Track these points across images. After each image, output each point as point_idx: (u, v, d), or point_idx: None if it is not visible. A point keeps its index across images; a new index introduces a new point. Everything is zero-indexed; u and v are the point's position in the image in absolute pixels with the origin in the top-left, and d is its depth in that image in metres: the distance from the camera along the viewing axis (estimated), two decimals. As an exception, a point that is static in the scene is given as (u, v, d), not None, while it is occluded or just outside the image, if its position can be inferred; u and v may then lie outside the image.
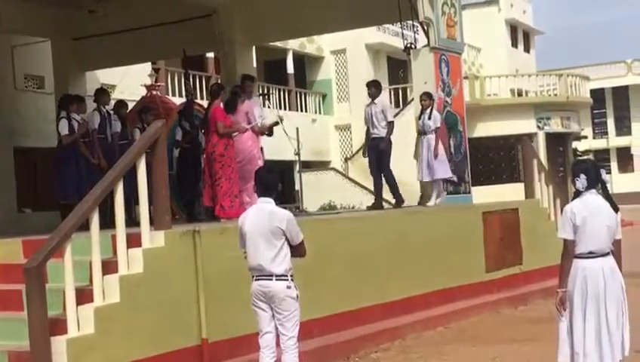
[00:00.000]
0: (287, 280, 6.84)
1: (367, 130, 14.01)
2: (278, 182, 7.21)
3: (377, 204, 13.98)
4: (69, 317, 7.59)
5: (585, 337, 6.65)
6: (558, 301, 6.77)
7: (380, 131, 13.72)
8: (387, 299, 11.27)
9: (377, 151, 13.78)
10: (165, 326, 8.32)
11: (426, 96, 13.95)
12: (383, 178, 13.90)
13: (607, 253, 6.75)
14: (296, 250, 6.95)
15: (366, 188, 22.81)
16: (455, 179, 14.23)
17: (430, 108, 13.83)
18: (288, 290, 6.84)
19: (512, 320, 12.16)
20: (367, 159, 14.14)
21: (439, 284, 12.31)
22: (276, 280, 6.81)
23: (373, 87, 14.09)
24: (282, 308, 6.85)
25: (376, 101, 13.88)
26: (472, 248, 13.35)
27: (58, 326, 7.56)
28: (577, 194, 6.82)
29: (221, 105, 12.03)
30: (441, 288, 12.34)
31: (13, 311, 8.17)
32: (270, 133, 12.89)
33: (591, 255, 6.69)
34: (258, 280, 6.88)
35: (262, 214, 6.91)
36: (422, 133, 13.91)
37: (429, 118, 13.77)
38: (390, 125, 13.77)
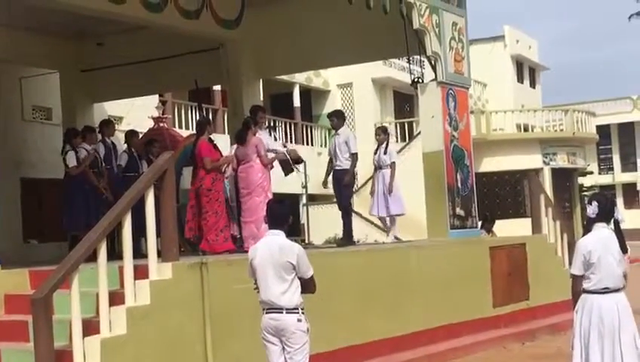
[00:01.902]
0: (298, 313, 6.80)
1: (330, 161, 13.73)
2: (290, 214, 7.13)
3: (349, 240, 13.56)
4: (75, 349, 7.58)
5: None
6: None
7: (343, 163, 13.34)
8: (393, 334, 11.22)
9: (340, 184, 13.49)
10: (172, 358, 8.30)
11: (381, 131, 14.23)
12: (340, 211, 13.61)
13: (619, 289, 6.75)
14: (306, 286, 6.89)
15: (371, 222, 22.73)
16: (405, 213, 14.13)
17: (385, 143, 13.99)
18: (299, 323, 6.79)
19: (519, 356, 12.08)
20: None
21: (446, 319, 12.26)
22: (287, 313, 6.77)
23: (335, 118, 13.70)
24: (292, 342, 6.80)
25: (339, 132, 13.52)
26: (479, 283, 13.29)
27: (64, 357, 7.54)
28: (589, 223, 6.82)
29: (207, 140, 11.82)
30: (448, 323, 12.28)
31: (19, 341, 8.16)
32: (296, 162, 12.82)
33: (605, 290, 6.70)
34: (269, 313, 6.84)
35: (272, 248, 6.85)
36: (377, 167, 14.04)
37: (385, 153, 13.91)
38: (353, 157, 13.33)
